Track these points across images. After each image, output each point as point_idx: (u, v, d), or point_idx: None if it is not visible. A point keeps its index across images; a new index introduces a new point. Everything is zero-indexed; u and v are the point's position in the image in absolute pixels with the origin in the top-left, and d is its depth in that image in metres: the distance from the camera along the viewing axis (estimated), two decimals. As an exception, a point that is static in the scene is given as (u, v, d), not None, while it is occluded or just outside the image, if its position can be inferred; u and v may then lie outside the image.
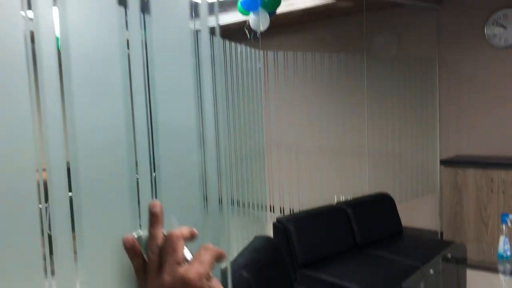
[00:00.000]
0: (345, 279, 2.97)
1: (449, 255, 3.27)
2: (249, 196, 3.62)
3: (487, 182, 4.08)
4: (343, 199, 4.36)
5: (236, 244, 3.39)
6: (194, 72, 0.74)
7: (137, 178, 0.69)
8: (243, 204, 3.52)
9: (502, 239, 3.05)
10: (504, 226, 3.04)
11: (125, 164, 0.64)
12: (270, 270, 2.61)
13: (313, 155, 4.38)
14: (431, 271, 2.94)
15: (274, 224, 3.39)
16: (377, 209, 3.91)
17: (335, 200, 4.33)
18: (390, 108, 4.59)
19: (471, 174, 4.18)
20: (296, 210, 4.15)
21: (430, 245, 3.60)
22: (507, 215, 3.05)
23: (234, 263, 2.44)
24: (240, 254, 2.60)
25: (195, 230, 0.58)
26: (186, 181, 0.75)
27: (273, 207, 4.30)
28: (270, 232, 3.95)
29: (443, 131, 4.88)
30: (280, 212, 4.50)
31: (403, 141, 4.67)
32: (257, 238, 2.88)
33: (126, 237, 0.57)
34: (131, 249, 0.57)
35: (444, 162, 4.34)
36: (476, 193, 4.15)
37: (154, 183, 0.71)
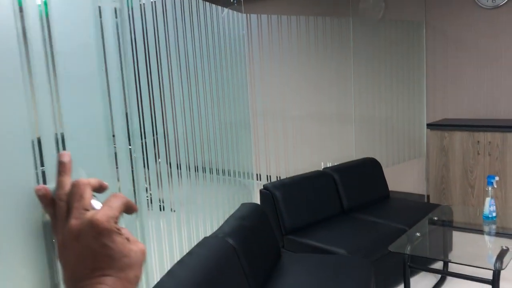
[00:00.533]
0: (332, 244, 2.98)
1: (435, 218, 3.29)
2: (235, 164, 3.57)
3: (474, 145, 4.08)
4: (330, 165, 4.34)
5: (222, 212, 3.37)
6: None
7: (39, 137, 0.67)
8: (229, 172, 3.48)
9: (487, 201, 3.06)
10: (489, 188, 3.05)
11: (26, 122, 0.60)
12: (256, 236, 2.59)
13: (299, 122, 4.33)
14: (418, 234, 2.96)
15: (261, 191, 3.36)
16: (364, 174, 3.90)
17: (322, 166, 4.31)
18: (376, 72, 4.52)
19: (458, 137, 4.17)
20: (283, 177, 4.13)
21: (417, 209, 3.62)
22: (493, 177, 3.06)
23: (220, 231, 2.41)
24: (226, 222, 2.58)
25: (105, 183, 0.59)
26: (94, 136, 0.74)
27: (260, 176, 4.27)
28: (257, 200, 3.93)
29: (430, 94, 4.84)
30: (267, 180, 4.48)
31: (389, 105, 4.63)
32: (243, 206, 2.85)
33: (37, 187, 0.58)
34: (43, 197, 0.57)
35: (431, 126, 4.32)
36: (463, 156, 4.16)
37: (62, 140, 0.69)
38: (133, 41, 2.43)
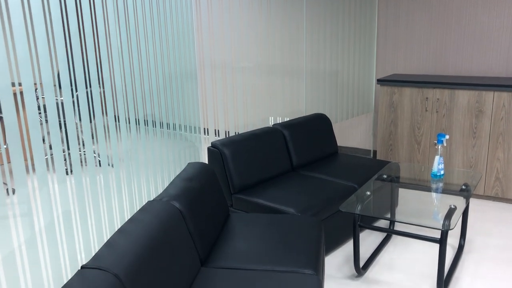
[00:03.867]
0: (282, 203, 2.88)
1: (384, 175, 3.28)
2: (180, 118, 3.33)
3: (422, 101, 4.08)
4: (280, 120, 4.20)
5: (168, 171, 3.16)
6: None
7: None
8: (174, 126, 3.24)
9: (436, 159, 3.07)
10: (439, 146, 3.04)
11: None
12: (204, 198, 2.42)
13: (249, 74, 4.11)
14: (368, 193, 2.92)
15: (208, 149, 3.17)
16: (313, 130, 3.81)
17: (272, 122, 4.17)
18: (329, 25, 4.34)
19: (407, 93, 4.15)
20: (232, 133, 3.95)
21: (365, 166, 3.60)
22: (443, 135, 3.05)
23: (165, 194, 2.22)
24: (172, 183, 2.38)
25: None
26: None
27: (208, 130, 4.06)
28: (204, 157, 3.74)
29: (380, 50, 4.76)
30: (215, 135, 4.29)
31: (340, 60, 4.51)
32: (190, 165, 2.66)
33: None
34: None
35: (380, 81, 4.26)
36: (411, 112, 4.16)
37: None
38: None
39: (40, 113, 2.10)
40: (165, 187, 2.34)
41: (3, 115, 1.87)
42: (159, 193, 2.26)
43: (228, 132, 4.02)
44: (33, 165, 2.07)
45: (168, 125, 3.22)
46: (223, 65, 3.97)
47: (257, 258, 2.22)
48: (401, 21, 4.56)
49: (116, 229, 2.00)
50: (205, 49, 3.71)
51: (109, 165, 2.58)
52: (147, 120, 2.96)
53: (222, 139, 3.20)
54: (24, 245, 1.99)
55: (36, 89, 2.04)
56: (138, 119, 2.86)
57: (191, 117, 3.48)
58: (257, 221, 2.63)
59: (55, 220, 2.16)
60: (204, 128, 3.90)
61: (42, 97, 2.14)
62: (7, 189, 1.90)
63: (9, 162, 1.96)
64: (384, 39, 4.70)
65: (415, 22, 4.49)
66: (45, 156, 2.12)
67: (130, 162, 2.76)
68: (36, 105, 2.02)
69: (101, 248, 1.70)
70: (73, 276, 1.52)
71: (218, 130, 4.15)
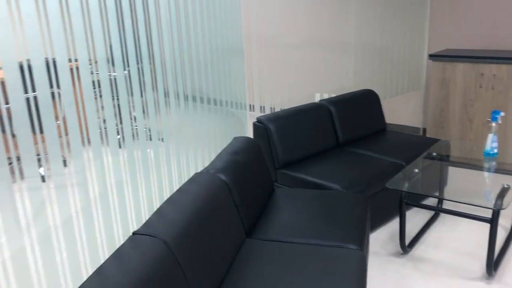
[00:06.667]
0: (327, 179, 2.88)
1: (434, 153, 3.19)
2: (227, 94, 3.37)
3: (477, 77, 3.90)
4: (327, 96, 4.16)
5: (214, 145, 3.23)
6: None
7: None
8: (221, 102, 3.29)
9: (490, 137, 2.95)
10: (493, 123, 2.92)
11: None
12: (249, 172, 2.47)
13: (296, 50, 4.07)
14: (416, 170, 2.86)
15: (254, 124, 3.20)
16: (361, 107, 3.74)
17: (318, 98, 4.13)
18: (379, -3, 4.20)
19: (460, 69, 3.98)
20: (277, 109, 3.96)
21: (414, 143, 3.51)
22: (498, 112, 2.92)
23: (211, 166, 2.28)
24: (218, 156, 2.44)
25: None
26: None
27: (253, 106, 4.09)
28: (250, 132, 3.79)
29: (433, 24, 4.57)
30: (261, 111, 4.31)
31: (391, 34, 4.37)
32: (236, 139, 2.71)
33: None
34: None
35: (432, 57, 4.10)
36: (464, 88, 3.99)
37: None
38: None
39: (94, 88, 2.20)
40: (212, 160, 2.41)
41: (61, 90, 1.97)
42: (206, 166, 2.33)
43: (274, 108, 4.03)
44: (88, 138, 2.19)
45: (215, 101, 3.27)
46: (270, 41, 3.95)
47: (301, 231, 2.25)
48: (457, -8, 4.34)
49: (165, 199, 2.09)
50: (252, 24, 3.70)
51: (159, 139, 2.67)
52: (195, 96, 3.03)
53: (268, 114, 3.21)
54: (81, 211, 2.12)
55: (90, 65, 2.13)
56: (187, 95, 2.93)
57: (237, 93, 3.51)
58: (301, 196, 2.65)
59: (109, 189, 2.28)
60: (250, 105, 3.93)
61: (96, 73, 2.24)
62: (64, 160, 2.02)
63: (66, 135, 2.07)
64: (438, 11, 4.50)
65: (472, -7, 4.26)
66: (99, 129, 2.23)
67: (179, 136, 2.84)
68: (91, 80, 2.12)
69: (151, 216, 1.78)
70: (125, 241, 1.60)
71: (264, 107, 4.17)
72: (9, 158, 1.83)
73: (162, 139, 2.71)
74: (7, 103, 1.79)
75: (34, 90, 1.81)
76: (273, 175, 3.19)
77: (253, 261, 2.01)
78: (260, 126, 3.16)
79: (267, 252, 2.08)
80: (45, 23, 1.86)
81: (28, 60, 1.80)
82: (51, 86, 1.92)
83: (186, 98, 2.92)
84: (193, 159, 2.98)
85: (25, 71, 1.86)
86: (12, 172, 1.87)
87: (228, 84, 3.38)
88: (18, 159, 1.83)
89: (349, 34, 4.12)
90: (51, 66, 1.90)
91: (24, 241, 1.83)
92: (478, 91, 3.92)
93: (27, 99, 1.76)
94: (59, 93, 2.07)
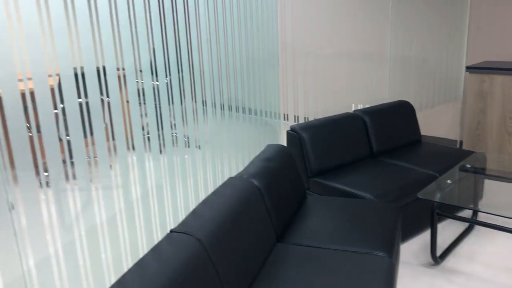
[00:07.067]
0: (359, 188, 2.92)
1: (468, 165, 3.17)
2: (261, 103, 3.48)
3: (516, 90, 3.84)
4: (361, 107, 4.20)
5: (248, 152, 3.34)
6: None
7: None
8: (255, 112, 3.40)
9: (527, 149, 2.90)
10: (530, 135, 2.88)
11: None
12: (282, 178, 2.55)
13: (331, 60, 4.14)
14: (449, 181, 2.86)
15: (287, 133, 3.29)
16: (396, 118, 3.76)
17: (353, 108, 4.18)
18: (415, 10, 4.22)
19: (499, 81, 3.93)
20: (311, 119, 4.03)
21: (449, 155, 3.49)
22: (536, 124, 2.88)
23: (245, 172, 2.38)
24: (252, 162, 2.54)
25: None
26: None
27: (287, 116, 4.18)
28: (283, 141, 3.87)
29: (471, 35, 4.53)
30: (294, 121, 4.39)
31: (427, 45, 4.36)
32: (269, 147, 2.80)
33: None
34: None
35: (470, 69, 4.07)
36: (503, 101, 3.94)
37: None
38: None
39: (138, 96, 2.35)
40: (245, 166, 2.51)
41: (110, 98, 2.13)
42: (240, 171, 2.43)
43: (307, 118, 4.10)
44: (133, 143, 2.34)
45: (250, 110, 3.38)
46: (305, 51, 4.04)
47: (330, 238, 2.31)
48: (497, 2, 4.29)
49: (201, 201, 2.21)
50: (288, 35, 3.81)
51: (196, 147, 2.81)
52: (230, 105, 3.15)
53: (301, 123, 3.29)
54: (124, 210, 2.27)
55: (140, 71, 2.29)
56: (223, 104, 3.05)
57: (272, 102, 3.61)
58: (333, 204, 2.70)
59: (149, 191, 2.42)
60: (284, 114, 4.02)
61: (141, 82, 2.39)
62: (110, 165, 2.17)
63: (113, 140, 2.23)
64: (477, 22, 4.46)
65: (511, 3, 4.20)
66: (142, 136, 2.38)
67: (215, 143, 2.97)
68: (136, 88, 2.27)
69: (187, 216, 1.89)
70: (163, 238, 1.72)
71: (298, 116, 4.25)
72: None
73: (199, 146, 2.84)
74: (55, 108, 1.96)
75: (86, 96, 1.97)
76: (306, 183, 3.26)
77: (283, 264, 2.09)
78: (293, 134, 3.24)
79: (296, 257, 2.15)
80: (97, 34, 2.03)
81: (82, 68, 1.96)
82: (101, 93, 2.08)
83: (222, 107, 3.05)
84: (227, 165, 3.10)
85: (79, 78, 2.03)
86: (66, 174, 2.04)
87: (263, 94, 3.49)
88: (65, 161, 1.99)
89: (385, 45, 4.16)
90: (101, 74, 2.06)
91: (74, 235, 1.98)
92: (517, 104, 3.86)
93: (80, 104, 1.92)
94: (108, 102, 2.22)
